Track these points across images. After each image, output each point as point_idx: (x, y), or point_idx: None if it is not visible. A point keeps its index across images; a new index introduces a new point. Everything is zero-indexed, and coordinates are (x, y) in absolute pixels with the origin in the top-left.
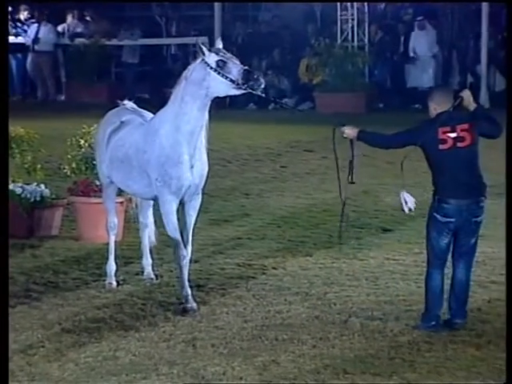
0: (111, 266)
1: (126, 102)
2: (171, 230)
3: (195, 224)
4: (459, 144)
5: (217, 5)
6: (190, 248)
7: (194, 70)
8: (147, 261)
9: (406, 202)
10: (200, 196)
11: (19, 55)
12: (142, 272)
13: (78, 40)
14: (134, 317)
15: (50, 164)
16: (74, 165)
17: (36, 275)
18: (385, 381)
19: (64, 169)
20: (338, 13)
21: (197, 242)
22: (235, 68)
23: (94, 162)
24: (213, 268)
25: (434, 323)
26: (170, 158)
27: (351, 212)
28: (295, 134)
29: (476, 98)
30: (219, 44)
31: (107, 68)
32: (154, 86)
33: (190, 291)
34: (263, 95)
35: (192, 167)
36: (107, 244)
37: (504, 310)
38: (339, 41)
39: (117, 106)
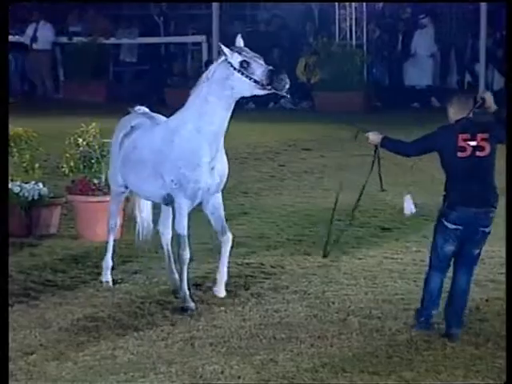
0: (108, 262)
1: (137, 107)
2: (180, 228)
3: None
4: (478, 153)
5: (215, 4)
6: (230, 235)
7: (217, 70)
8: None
9: (407, 205)
10: (220, 194)
11: (18, 54)
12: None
13: (77, 38)
14: (133, 316)
15: (48, 162)
16: (72, 163)
17: (34, 274)
18: (383, 379)
19: (62, 167)
20: (337, 11)
21: (193, 241)
22: (259, 68)
23: (92, 161)
24: (211, 266)
25: (423, 319)
26: (190, 160)
27: (350, 211)
28: (294, 133)
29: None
30: (240, 42)
31: (105, 67)
32: (152, 84)
33: (188, 291)
34: (288, 96)
35: (212, 169)
36: (106, 242)
37: (502, 309)
38: (337, 39)
39: (128, 113)
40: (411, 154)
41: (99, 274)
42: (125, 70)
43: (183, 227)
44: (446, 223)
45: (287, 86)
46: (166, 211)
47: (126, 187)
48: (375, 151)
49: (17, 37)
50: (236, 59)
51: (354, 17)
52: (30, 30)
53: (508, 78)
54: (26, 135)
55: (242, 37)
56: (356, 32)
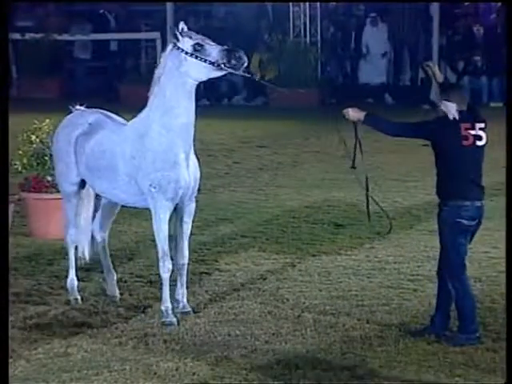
0: (73, 281)
1: (78, 106)
2: (161, 240)
3: (191, 231)
4: (478, 142)
5: None
6: (186, 253)
7: (168, 60)
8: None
9: (449, 111)
10: (194, 201)
11: None
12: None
13: (29, 35)
14: (86, 313)
15: None
16: (25, 160)
17: None
18: (337, 376)
19: (15, 164)
20: (291, 8)
21: (148, 238)
22: (214, 50)
23: (46, 158)
24: None
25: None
26: (166, 160)
27: (303, 208)
28: (248, 130)
29: (427, 93)
30: (184, 28)
31: (59, 63)
32: (105, 81)
33: (170, 305)
34: (248, 75)
35: (188, 167)
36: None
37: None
38: (291, 36)
39: (70, 111)
40: (401, 135)
41: (52, 271)
42: (78, 66)
43: (164, 239)
44: (463, 222)
45: (245, 65)
46: (106, 211)
47: (81, 186)
48: (355, 129)
49: None
50: (187, 43)
51: (308, 14)
52: None
53: (508, 78)
54: None
55: (197, 33)
56: (310, 29)
